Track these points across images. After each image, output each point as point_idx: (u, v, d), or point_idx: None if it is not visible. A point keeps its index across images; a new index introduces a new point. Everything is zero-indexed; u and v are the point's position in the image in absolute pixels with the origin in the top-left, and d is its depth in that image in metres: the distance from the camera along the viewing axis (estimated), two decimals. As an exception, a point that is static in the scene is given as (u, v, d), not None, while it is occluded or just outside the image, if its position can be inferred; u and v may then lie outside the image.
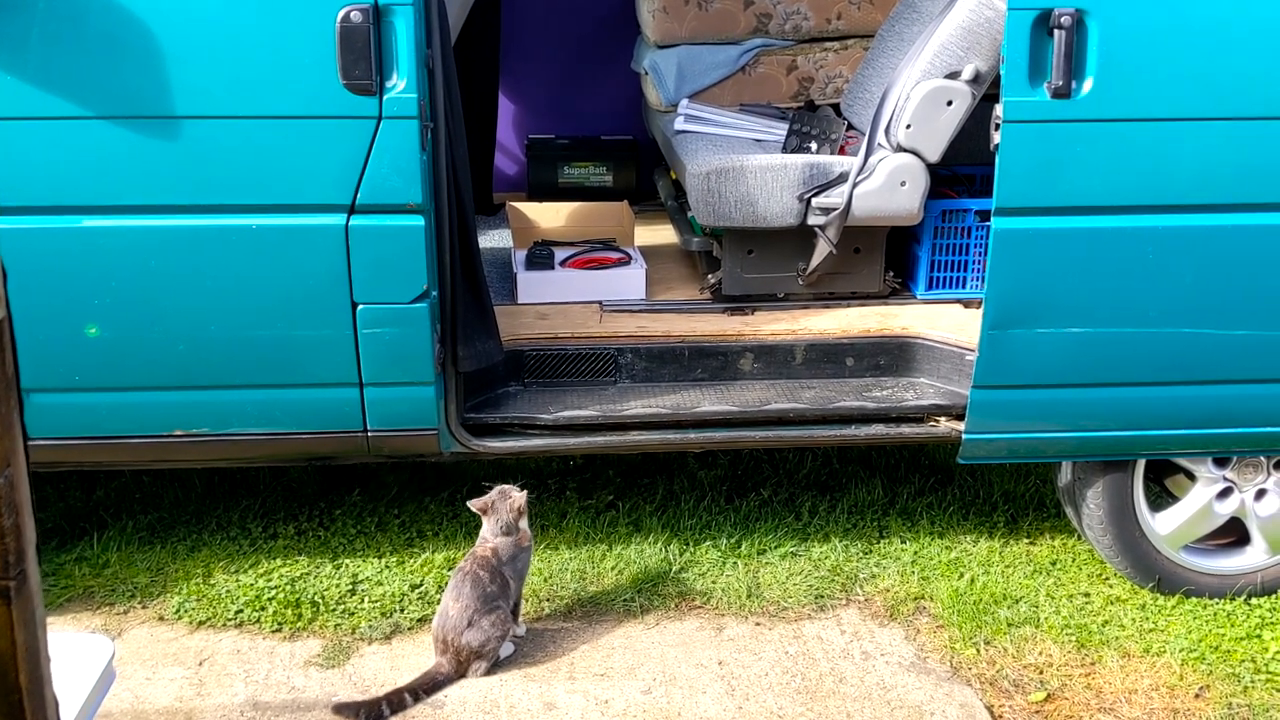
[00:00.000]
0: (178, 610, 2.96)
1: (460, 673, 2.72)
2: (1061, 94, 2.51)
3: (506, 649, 2.80)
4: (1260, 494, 3.04)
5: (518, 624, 2.87)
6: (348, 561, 3.15)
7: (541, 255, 3.50)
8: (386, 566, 3.13)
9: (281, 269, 2.61)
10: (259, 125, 2.51)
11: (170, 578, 3.08)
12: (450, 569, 3.13)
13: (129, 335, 2.63)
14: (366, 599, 3.00)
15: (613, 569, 3.14)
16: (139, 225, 2.55)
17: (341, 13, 2.45)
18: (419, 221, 2.61)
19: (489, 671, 2.74)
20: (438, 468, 3.55)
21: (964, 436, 2.88)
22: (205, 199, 2.55)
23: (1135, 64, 2.51)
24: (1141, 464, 3.01)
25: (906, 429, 3.03)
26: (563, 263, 3.50)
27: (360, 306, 2.65)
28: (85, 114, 2.47)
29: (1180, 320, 2.70)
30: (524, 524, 2.84)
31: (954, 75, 3.08)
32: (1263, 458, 3.02)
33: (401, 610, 2.97)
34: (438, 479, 3.54)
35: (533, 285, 3.38)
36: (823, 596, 3.07)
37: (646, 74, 4.09)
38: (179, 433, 2.76)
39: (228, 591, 3.01)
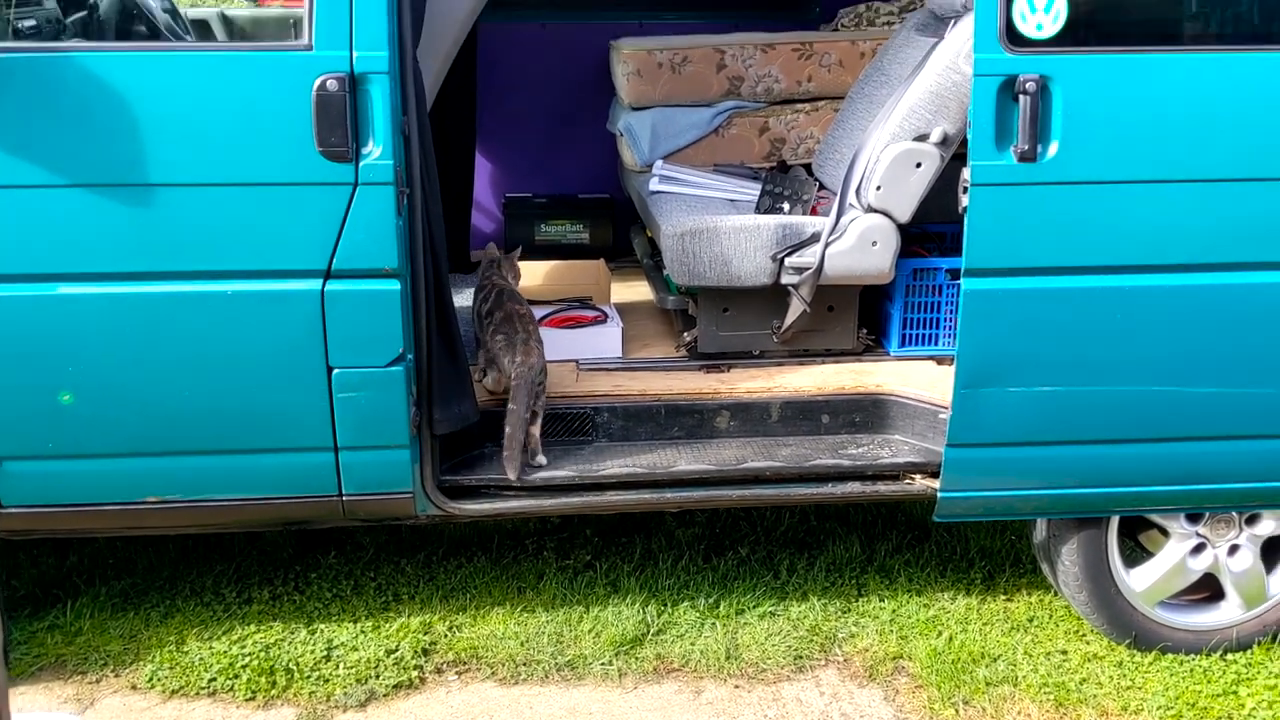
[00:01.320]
0: (150, 679, 2.92)
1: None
2: (1027, 158, 2.55)
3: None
4: (1233, 549, 3.06)
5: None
6: (323, 626, 3.12)
7: (517, 315, 3.52)
8: (362, 631, 3.10)
9: (257, 334, 2.61)
10: (235, 192, 2.53)
11: (143, 645, 3.04)
12: (426, 633, 3.11)
13: (103, 402, 2.62)
14: (341, 665, 2.97)
15: (590, 631, 3.12)
16: (114, 292, 2.56)
17: (318, 81, 2.47)
18: (394, 286, 2.62)
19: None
20: (414, 529, 3.54)
21: (939, 494, 2.89)
22: (181, 265, 2.56)
23: (1099, 128, 2.56)
24: (1115, 520, 3.03)
25: (882, 487, 3.04)
26: (539, 321, 3.51)
27: (336, 370, 2.65)
28: (61, 183, 2.48)
29: (1149, 378, 2.73)
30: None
31: (922, 138, 3.13)
32: (1234, 513, 3.04)
33: (377, 676, 2.94)
34: (414, 541, 3.52)
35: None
36: (802, 657, 3.06)
37: (622, 135, 4.14)
38: (152, 499, 2.75)
39: (201, 659, 2.98)
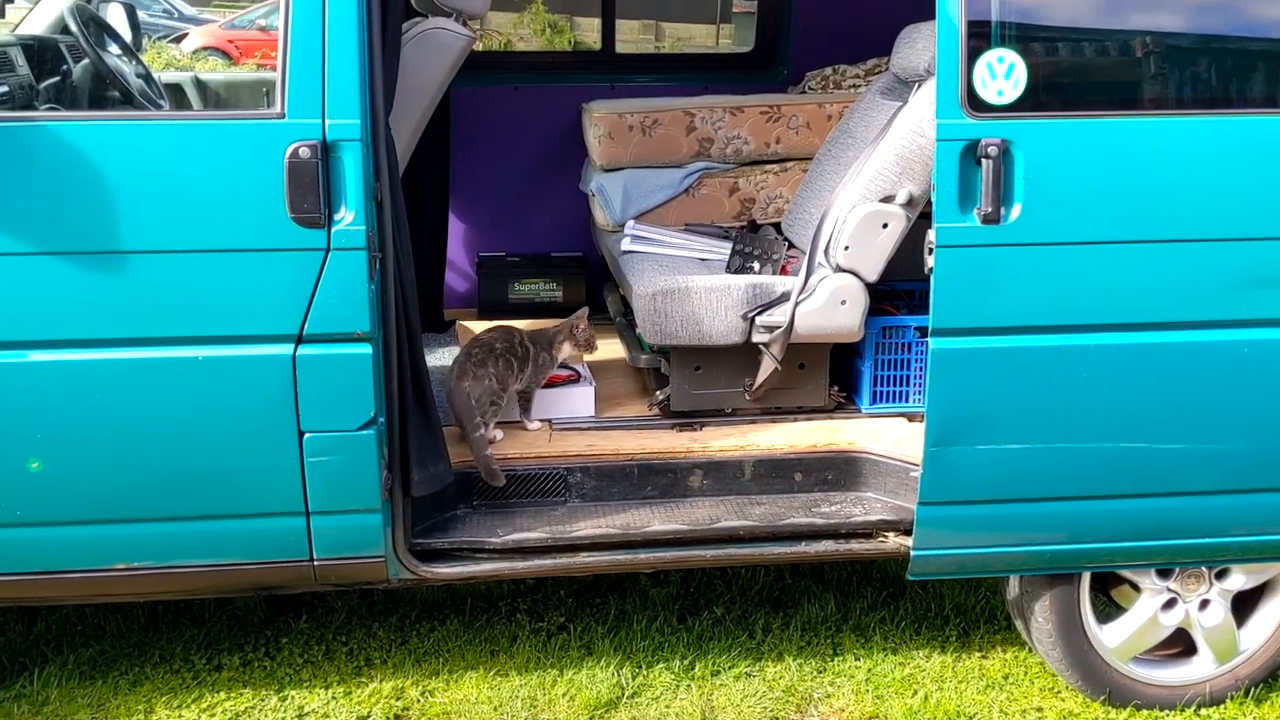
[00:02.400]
0: (117, 749, 2.88)
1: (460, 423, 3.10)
2: (991, 220, 2.59)
3: (496, 433, 3.20)
4: (1204, 604, 3.08)
5: (530, 418, 3.31)
6: (294, 692, 3.08)
7: (491, 376, 3.52)
8: (333, 697, 3.07)
9: (228, 399, 2.61)
10: (207, 259, 2.53)
11: (111, 714, 3.00)
12: (398, 698, 3.08)
13: (72, 469, 2.60)
14: (312, 732, 2.94)
15: (564, 695, 3.10)
16: (87, 359, 2.54)
17: (290, 149, 2.49)
18: (366, 349, 2.63)
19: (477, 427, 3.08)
20: (386, 593, 3.51)
21: (912, 553, 2.90)
22: (152, 331, 2.55)
23: (1060, 191, 2.61)
24: (1087, 576, 3.05)
25: (856, 545, 3.05)
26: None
27: (307, 435, 2.64)
28: (34, 250, 2.48)
29: (1116, 435, 2.76)
30: (567, 347, 3.39)
31: (889, 199, 3.18)
32: (1204, 568, 3.06)
33: (348, 743, 2.91)
34: (386, 604, 3.50)
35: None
36: (778, 718, 3.04)
37: (594, 195, 4.18)
38: (120, 566, 2.72)
39: (169, 728, 2.94)
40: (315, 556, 2.76)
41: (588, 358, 3.54)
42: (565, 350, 3.42)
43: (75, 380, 2.55)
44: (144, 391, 2.58)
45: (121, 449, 2.61)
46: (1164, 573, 3.06)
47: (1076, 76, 2.76)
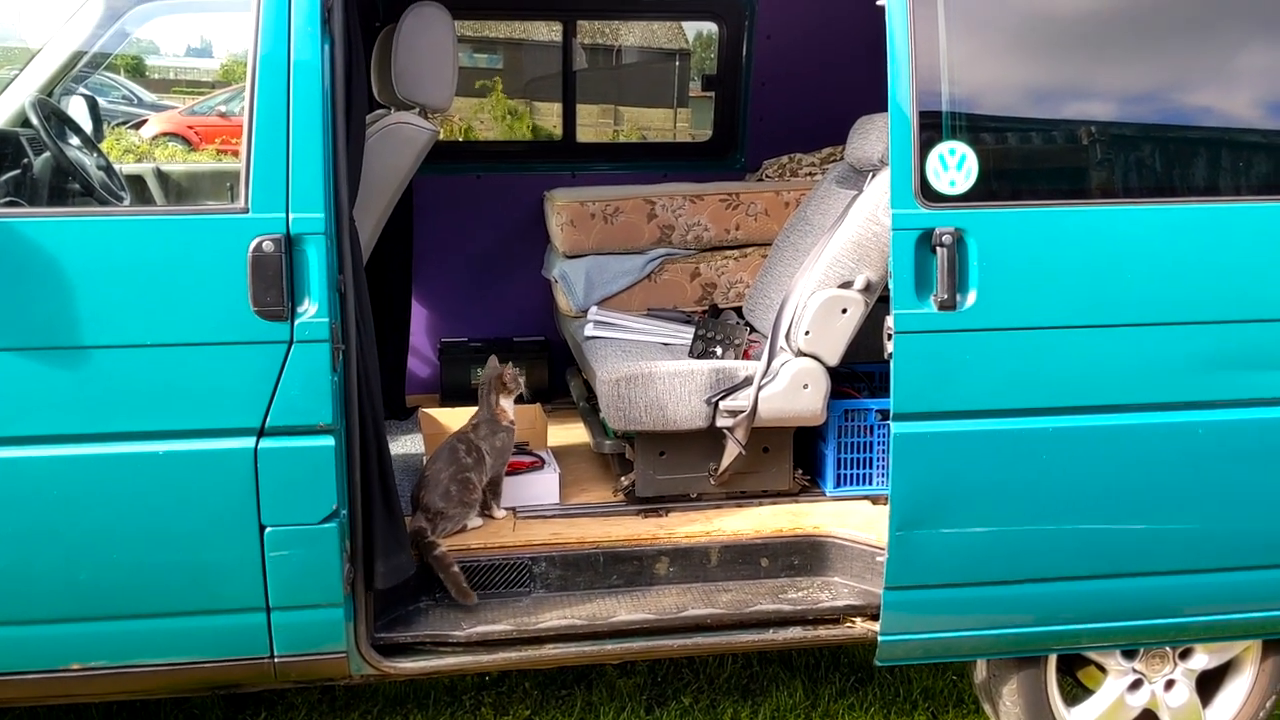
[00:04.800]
0: None
1: (431, 530, 3.09)
2: (947, 306, 2.64)
3: (475, 521, 3.22)
4: (1169, 685, 3.09)
5: (497, 506, 3.30)
6: (252, 795, 3.00)
7: (454, 464, 3.50)
8: (293, 798, 2.99)
9: (188, 494, 2.57)
10: (168, 353, 2.51)
11: (59, 822, 2.90)
12: (361, 798, 3.00)
13: (27, 568, 2.55)
14: (271, 836, 2.85)
15: (531, 790, 3.04)
16: (44, 455, 2.51)
17: (254, 243, 2.50)
18: (329, 441, 2.61)
19: (454, 533, 3.14)
20: (348, 688, 3.44)
21: (880, 638, 2.89)
22: (112, 427, 2.52)
23: (1014, 277, 2.66)
24: (1054, 659, 3.05)
25: (823, 631, 3.03)
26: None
27: (268, 529, 2.61)
28: (-6, 347, 2.45)
29: (1077, 516, 2.79)
30: (505, 403, 3.34)
31: (847, 284, 3.23)
32: (1168, 648, 3.08)
33: (309, 847, 2.82)
34: (348, 699, 3.43)
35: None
36: (747, 809, 3.00)
37: (557, 281, 4.22)
38: (75, 666, 2.65)
39: (121, 835, 2.84)
40: (276, 653, 2.71)
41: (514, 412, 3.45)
42: (506, 405, 3.37)
43: (34, 476, 2.51)
44: (103, 487, 2.54)
45: (79, 546, 2.56)
46: (1129, 654, 3.07)
47: (1027, 166, 2.84)
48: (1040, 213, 2.68)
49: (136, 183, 4.25)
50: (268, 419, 2.56)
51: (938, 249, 2.63)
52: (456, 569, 3.00)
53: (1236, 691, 3.16)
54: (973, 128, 2.66)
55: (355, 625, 2.77)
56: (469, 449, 3.27)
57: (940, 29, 2.62)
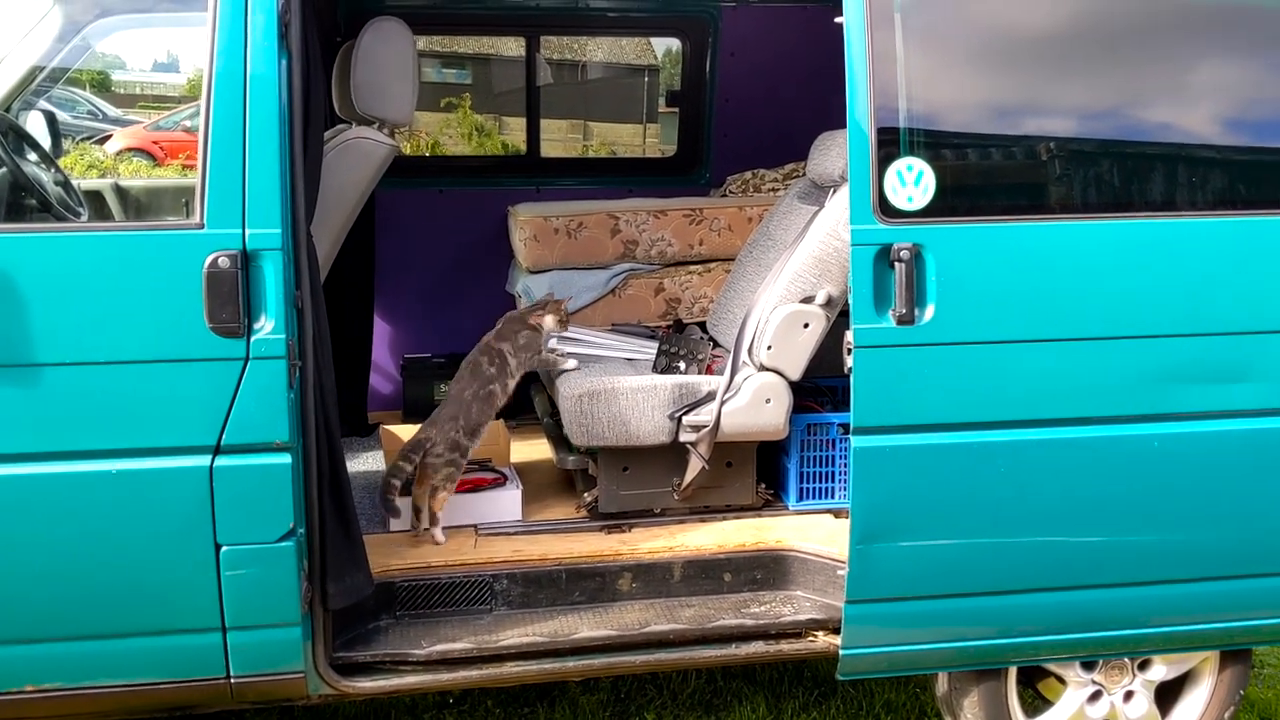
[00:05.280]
0: None
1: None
2: (906, 321, 2.66)
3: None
4: (1128, 696, 3.11)
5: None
6: (209, 817, 2.96)
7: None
8: (251, 821, 2.95)
9: (143, 513, 2.54)
10: (123, 370, 2.49)
11: None
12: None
13: (-22, 589, 2.51)
14: None
15: (493, 809, 3.02)
16: (-2, 474, 2.48)
17: (209, 259, 2.48)
18: (285, 459, 2.59)
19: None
20: (307, 708, 3.40)
21: (841, 652, 2.89)
22: (65, 446, 2.49)
23: (971, 292, 2.69)
24: (1014, 671, 3.06)
25: (786, 646, 3.03)
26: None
27: (224, 548, 2.58)
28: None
29: (1035, 529, 2.81)
30: (547, 319, 3.44)
31: (809, 299, 3.25)
32: (1127, 659, 3.10)
33: None
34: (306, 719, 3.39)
35: (405, 512, 3.35)
36: (710, 826, 2.99)
37: (520, 296, 4.21)
38: (29, 689, 2.61)
39: None
40: (232, 673, 2.68)
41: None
42: (546, 320, 3.48)
43: (-17, 497, 2.48)
44: (56, 506, 2.51)
45: (32, 566, 2.53)
46: (1088, 665, 3.09)
47: (984, 182, 2.86)
48: (997, 228, 2.70)
49: (95, 199, 4.21)
50: (223, 436, 2.54)
51: (896, 264, 2.64)
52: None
53: (1195, 702, 3.19)
54: (930, 144, 2.68)
55: (313, 645, 2.74)
56: (491, 358, 3.34)
57: (898, 46, 2.65)
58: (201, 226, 2.49)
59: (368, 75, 3.26)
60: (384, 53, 3.27)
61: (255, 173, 2.50)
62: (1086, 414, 2.76)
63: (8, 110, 3.61)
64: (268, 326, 2.53)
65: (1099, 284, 2.73)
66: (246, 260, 2.50)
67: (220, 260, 2.48)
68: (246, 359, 2.53)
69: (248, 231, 2.50)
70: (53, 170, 3.61)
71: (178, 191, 4.65)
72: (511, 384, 3.32)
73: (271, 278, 2.52)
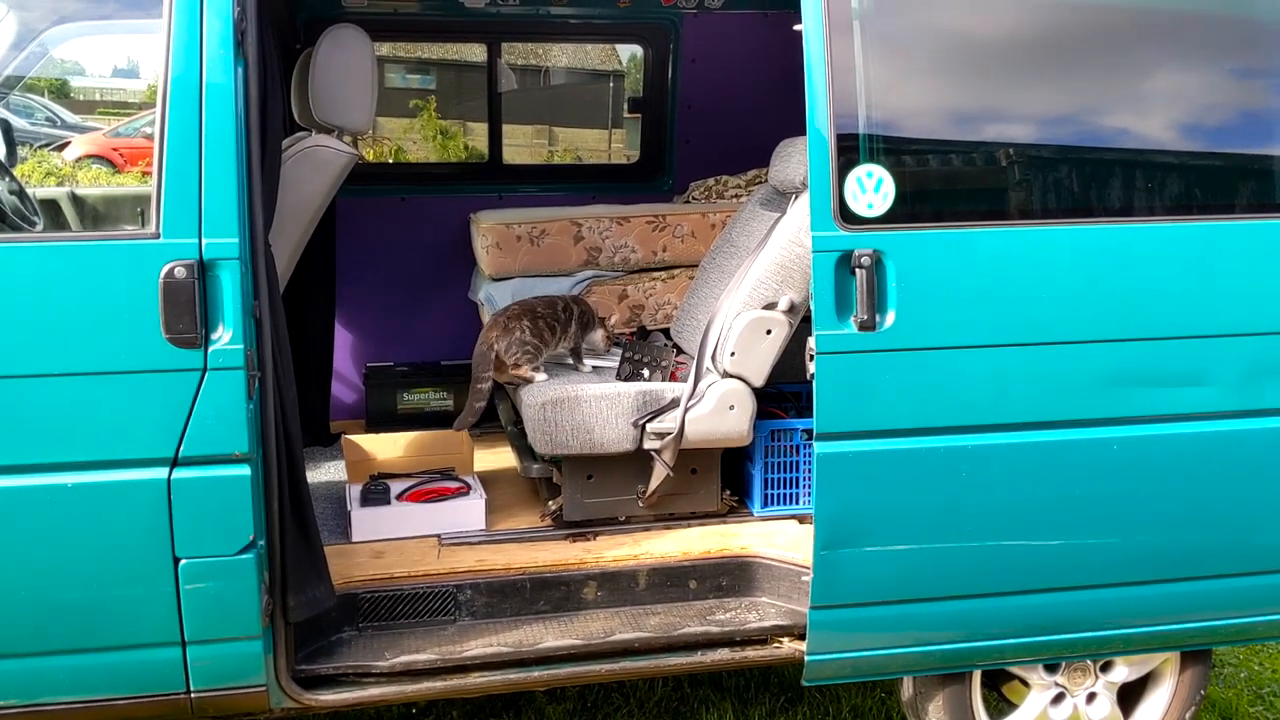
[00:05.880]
0: None
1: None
2: (867, 327, 2.66)
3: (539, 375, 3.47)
4: (1091, 698, 3.14)
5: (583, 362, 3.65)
6: (169, 835, 2.91)
7: (377, 490, 3.46)
8: (212, 838, 2.90)
9: (99, 527, 2.50)
10: (78, 382, 2.45)
11: None
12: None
13: (-71, 606, 2.47)
14: None
15: (458, 821, 3.00)
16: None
17: (165, 269, 2.45)
18: (245, 470, 2.56)
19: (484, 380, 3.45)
20: (270, 721, 3.36)
21: (806, 658, 2.89)
22: (19, 459, 2.45)
23: (931, 298, 2.70)
24: (978, 675, 3.08)
25: (751, 653, 3.03)
26: (400, 495, 3.46)
27: (183, 561, 2.55)
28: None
29: (997, 533, 2.82)
30: (594, 334, 3.67)
31: (771, 306, 3.25)
32: (1089, 661, 3.12)
33: None
34: (271, 733, 3.35)
35: (367, 522, 3.32)
36: (677, 834, 2.98)
37: (483, 304, 4.19)
38: (-17, 707, 2.57)
39: None
40: (193, 688, 2.64)
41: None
42: (599, 335, 3.71)
43: (-65, 512, 2.43)
44: (11, 520, 2.47)
45: (-17, 582, 2.48)
46: (1051, 667, 3.11)
47: (943, 188, 2.88)
48: (957, 234, 2.72)
49: (51, 207, 4.14)
50: (181, 448, 2.51)
51: (857, 270, 2.65)
52: (481, 404, 3.49)
53: (1157, 703, 3.22)
54: (890, 151, 2.69)
55: (275, 658, 2.71)
56: (553, 315, 3.60)
57: (857, 53, 2.65)
58: (158, 236, 2.46)
59: (326, 83, 3.24)
60: (342, 60, 3.25)
61: (212, 181, 2.48)
62: (1047, 418, 2.78)
63: (-39, 119, 3.55)
64: (226, 337, 2.50)
65: (1058, 289, 2.75)
66: (204, 270, 2.48)
67: (177, 270, 2.45)
68: (204, 370, 2.50)
69: (205, 241, 2.47)
70: (6, 179, 3.56)
71: (136, 199, 4.59)
72: (558, 347, 3.58)
73: (229, 288, 2.50)
